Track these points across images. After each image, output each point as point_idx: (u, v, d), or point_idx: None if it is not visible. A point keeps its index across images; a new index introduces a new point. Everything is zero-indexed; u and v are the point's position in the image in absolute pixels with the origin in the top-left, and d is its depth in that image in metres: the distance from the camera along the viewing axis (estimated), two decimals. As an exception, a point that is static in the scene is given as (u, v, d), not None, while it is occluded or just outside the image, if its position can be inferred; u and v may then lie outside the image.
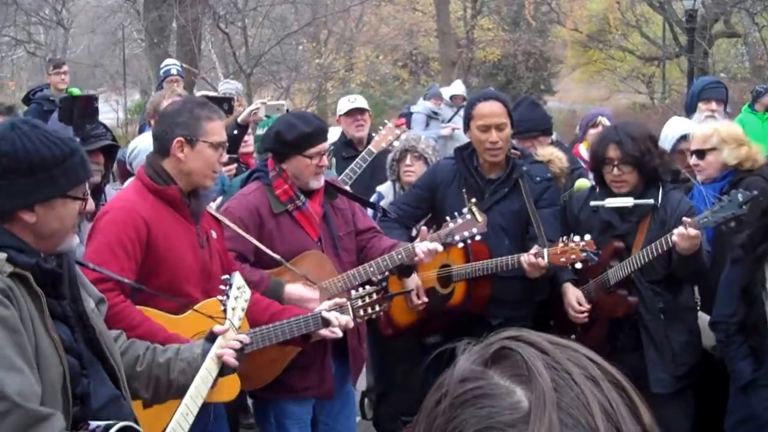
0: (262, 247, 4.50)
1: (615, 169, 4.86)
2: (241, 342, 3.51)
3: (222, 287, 3.65)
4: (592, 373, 0.97)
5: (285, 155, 4.66)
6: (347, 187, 5.44)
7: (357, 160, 5.96)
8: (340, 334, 4.37)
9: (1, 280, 2.74)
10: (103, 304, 3.28)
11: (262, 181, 4.74)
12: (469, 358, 0.98)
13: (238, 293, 3.63)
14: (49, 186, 2.86)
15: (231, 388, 4.04)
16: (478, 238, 4.78)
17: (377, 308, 4.49)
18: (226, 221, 4.43)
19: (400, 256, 4.68)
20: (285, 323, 4.25)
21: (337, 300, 4.39)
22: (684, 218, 4.56)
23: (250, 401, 5.89)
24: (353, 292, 4.48)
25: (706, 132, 5.34)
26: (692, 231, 4.47)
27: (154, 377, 3.35)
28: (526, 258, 4.79)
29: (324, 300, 4.52)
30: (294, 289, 4.54)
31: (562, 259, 4.74)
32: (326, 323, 4.29)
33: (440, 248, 4.71)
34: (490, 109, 5.04)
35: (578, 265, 4.76)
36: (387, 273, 4.89)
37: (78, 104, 4.78)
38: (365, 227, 4.96)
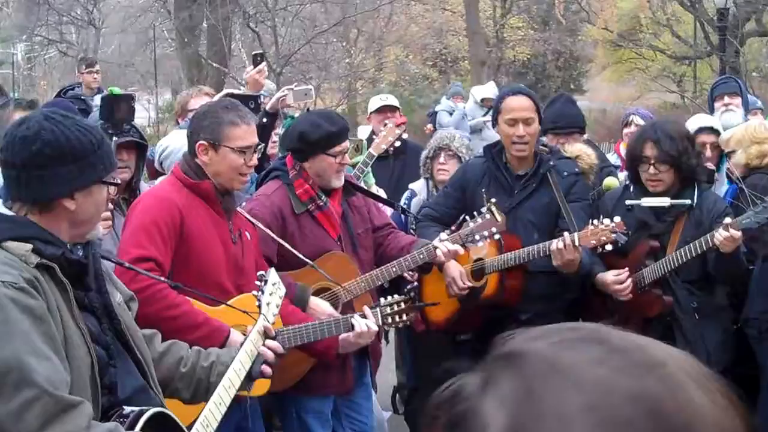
0: (291, 249, 4.51)
1: (651, 168, 4.82)
2: (274, 351, 3.53)
3: (257, 282, 3.65)
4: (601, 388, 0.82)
5: (308, 154, 4.66)
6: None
7: (359, 164, 5.92)
8: (368, 340, 4.41)
9: (27, 270, 2.76)
10: (133, 302, 3.30)
11: (281, 180, 4.74)
12: (473, 375, 0.89)
13: (273, 289, 3.64)
14: (88, 172, 2.90)
15: (262, 382, 4.06)
16: (497, 237, 4.81)
17: (404, 317, 4.52)
18: (257, 222, 4.45)
19: (422, 256, 4.71)
20: (315, 324, 4.27)
21: (365, 309, 4.41)
22: (726, 220, 4.53)
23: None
24: (382, 299, 4.50)
25: (724, 136, 5.44)
26: (736, 233, 4.45)
27: (197, 379, 3.37)
28: (555, 244, 4.76)
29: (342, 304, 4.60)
30: (317, 304, 4.57)
31: (593, 241, 4.70)
32: (352, 328, 4.32)
33: (461, 250, 4.75)
34: (518, 103, 5.05)
35: (608, 247, 4.72)
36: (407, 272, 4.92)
37: (118, 103, 4.82)
38: (381, 224, 4.99)
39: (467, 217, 4.80)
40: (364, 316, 4.37)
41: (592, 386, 0.81)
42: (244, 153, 4.10)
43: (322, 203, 4.68)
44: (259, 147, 4.24)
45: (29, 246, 2.81)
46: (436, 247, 4.70)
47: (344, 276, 4.66)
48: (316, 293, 4.64)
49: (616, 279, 4.88)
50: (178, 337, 3.58)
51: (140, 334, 3.21)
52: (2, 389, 2.62)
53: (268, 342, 3.51)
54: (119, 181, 3.06)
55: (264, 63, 5.76)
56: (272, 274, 3.69)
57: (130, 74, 31.99)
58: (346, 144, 4.73)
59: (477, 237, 4.75)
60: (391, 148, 5.91)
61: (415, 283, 5.03)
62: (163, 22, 27.75)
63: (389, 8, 27.51)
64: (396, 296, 4.55)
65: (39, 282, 2.76)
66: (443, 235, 4.79)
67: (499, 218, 4.74)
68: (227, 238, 4.17)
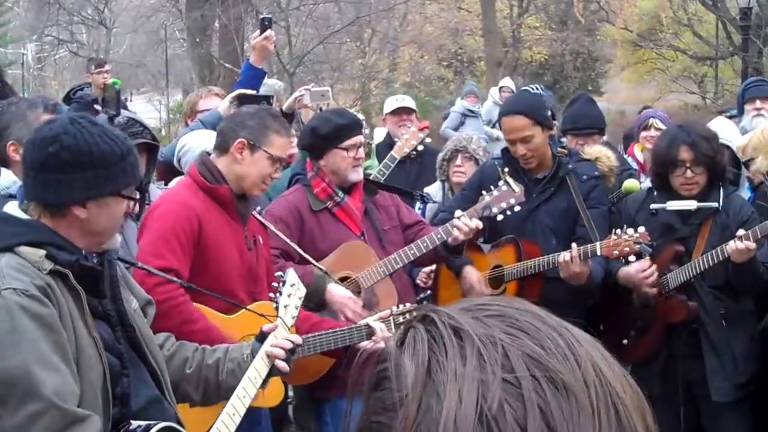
0: (298, 250, 4.52)
1: (688, 171, 4.77)
2: (292, 342, 3.46)
3: (275, 284, 3.63)
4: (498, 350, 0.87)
5: (322, 150, 4.74)
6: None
7: (380, 167, 5.90)
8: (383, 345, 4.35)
9: (40, 277, 2.74)
10: (150, 307, 3.27)
11: (301, 182, 4.86)
12: (391, 339, 0.95)
13: (292, 290, 3.60)
14: (105, 183, 2.87)
15: (276, 392, 4.03)
16: (517, 208, 4.77)
17: None
18: (271, 227, 4.46)
19: (439, 236, 4.71)
20: (332, 332, 4.26)
21: (381, 314, 4.39)
22: (739, 232, 4.49)
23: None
24: (394, 308, 4.47)
25: (741, 143, 5.39)
26: (750, 245, 4.43)
27: (204, 379, 3.35)
28: (562, 256, 4.73)
29: (363, 303, 4.62)
30: (337, 290, 4.58)
31: (615, 252, 4.66)
32: (371, 334, 4.29)
33: (479, 224, 4.69)
34: (511, 125, 5.01)
35: (632, 258, 4.69)
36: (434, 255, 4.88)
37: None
38: (412, 221, 5.02)
39: (483, 191, 4.79)
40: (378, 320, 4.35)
41: (488, 346, 0.88)
42: (276, 163, 4.17)
43: (339, 199, 4.74)
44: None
45: (43, 252, 2.79)
46: (452, 223, 4.69)
47: (362, 263, 4.71)
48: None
49: (639, 267, 4.83)
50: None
51: (155, 342, 3.18)
52: (8, 401, 2.60)
53: (281, 339, 3.43)
54: (137, 196, 3.00)
55: (271, 30, 5.73)
56: (290, 275, 3.66)
57: (141, 74, 32.10)
58: (359, 138, 4.78)
59: (495, 209, 4.74)
60: (414, 152, 5.88)
61: (429, 292, 4.97)
62: (174, 22, 27.83)
63: (404, 8, 27.51)
64: (408, 304, 4.53)
65: (51, 289, 2.74)
66: (458, 212, 4.77)
67: (516, 189, 4.74)
68: (242, 244, 4.19)
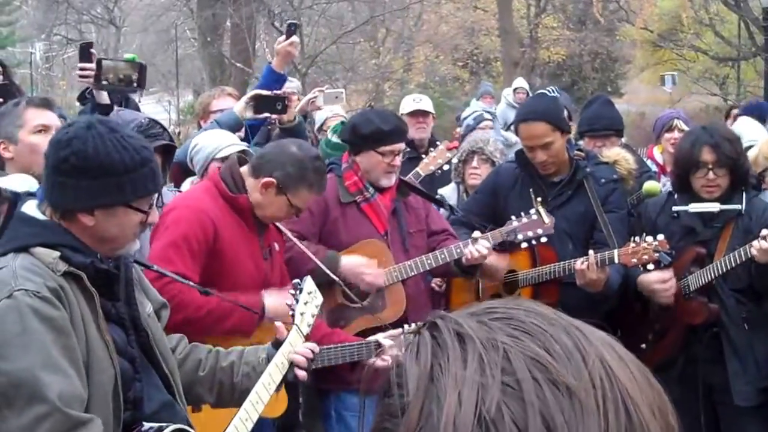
0: (313, 258, 4.50)
1: (710, 173, 4.76)
2: (312, 351, 3.49)
3: (291, 291, 3.64)
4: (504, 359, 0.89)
5: (359, 148, 4.76)
6: None
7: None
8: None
9: (53, 278, 2.75)
10: (165, 310, 3.29)
11: (333, 172, 4.83)
12: (403, 347, 0.98)
13: (309, 298, 3.61)
14: (113, 193, 2.85)
15: (279, 402, 4.04)
16: (543, 239, 4.75)
17: None
18: (288, 233, 4.47)
19: (458, 250, 4.71)
20: (340, 347, 4.25)
21: (392, 332, 4.36)
22: (763, 231, 4.48)
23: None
24: (405, 326, 4.41)
25: (752, 155, 5.36)
26: None
27: (218, 381, 3.36)
28: (578, 263, 4.71)
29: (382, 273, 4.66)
30: (351, 261, 4.63)
31: (634, 260, 4.65)
32: (381, 351, 4.27)
33: (485, 252, 4.67)
34: (530, 132, 4.97)
35: (650, 267, 4.67)
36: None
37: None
38: (439, 228, 5.01)
39: (513, 216, 4.78)
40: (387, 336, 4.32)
41: (490, 349, 0.90)
42: (296, 211, 4.21)
43: (369, 195, 4.77)
44: None
45: (57, 253, 2.80)
46: (464, 247, 4.69)
47: (378, 263, 4.72)
48: None
49: (659, 278, 4.82)
50: (213, 331, 3.63)
51: (168, 347, 3.19)
52: (14, 402, 2.63)
53: (300, 348, 3.45)
54: (148, 209, 2.96)
55: (296, 36, 5.73)
56: (308, 283, 3.67)
57: (151, 74, 32.16)
58: (399, 146, 4.77)
59: (520, 236, 4.73)
60: (439, 171, 5.89)
61: (443, 309, 4.94)
62: (185, 21, 27.92)
63: (419, 7, 27.52)
64: (421, 323, 4.48)
65: (64, 291, 2.75)
66: (476, 234, 4.76)
67: (547, 220, 4.72)
68: (258, 254, 4.22)
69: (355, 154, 4.78)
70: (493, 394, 0.86)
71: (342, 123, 5.84)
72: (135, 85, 4.92)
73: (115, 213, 2.87)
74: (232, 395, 3.35)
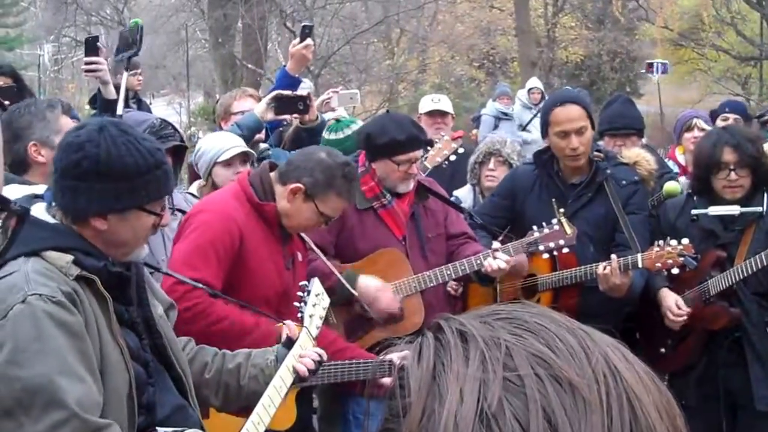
0: (330, 267, 4.52)
1: (732, 174, 4.76)
2: (319, 356, 3.49)
3: (299, 293, 3.66)
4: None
5: (374, 156, 4.75)
6: None
7: None
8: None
9: (66, 283, 2.75)
10: (173, 310, 3.30)
11: None
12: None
13: (317, 300, 3.63)
14: (126, 197, 2.86)
15: (288, 412, 4.05)
16: (565, 250, 4.75)
17: None
18: (310, 243, 4.47)
19: (478, 262, 4.68)
20: (353, 364, 4.26)
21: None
22: None
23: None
24: None
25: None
26: None
27: (224, 383, 3.37)
28: (601, 268, 4.71)
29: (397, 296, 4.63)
30: (368, 282, 4.61)
31: (658, 264, 4.65)
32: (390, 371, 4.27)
33: (504, 266, 4.65)
34: (567, 115, 4.93)
35: (675, 271, 4.67)
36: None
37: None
38: (458, 232, 4.98)
39: (534, 226, 4.76)
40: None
41: (492, 346, 0.92)
42: (325, 219, 4.18)
43: (386, 201, 4.76)
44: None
45: (70, 257, 2.80)
46: (484, 258, 4.67)
47: (396, 273, 4.71)
48: None
49: (674, 311, 4.85)
50: (231, 347, 3.60)
51: (180, 347, 3.21)
52: (31, 409, 2.62)
53: (305, 356, 3.44)
54: (161, 212, 2.98)
55: (311, 39, 5.74)
56: (315, 285, 3.69)
57: (161, 76, 32.26)
58: (415, 154, 4.75)
59: (541, 247, 4.72)
60: (446, 162, 5.86)
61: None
62: (196, 22, 27.98)
63: (434, 6, 27.51)
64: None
65: (78, 295, 2.75)
66: (496, 244, 4.75)
67: (569, 231, 4.71)
68: (281, 264, 4.21)
69: (370, 161, 4.77)
70: (495, 389, 0.88)
71: (337, 121, 5.80)
72: (135, 47, 4.96)
73: (128, 217, 2.88)
74: (238, 398, 3.36)
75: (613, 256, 4.69)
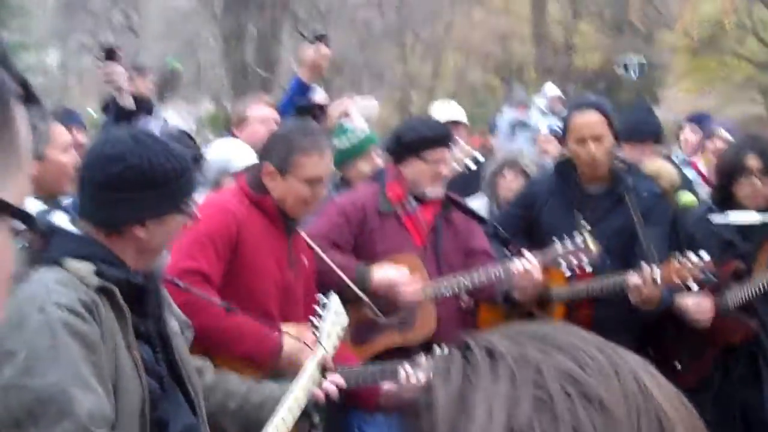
0: (341, 274, 4.52)
1: (755, 180, 4.79)
2: (336, 385, 3.48)
3: (317, 308, 3.64)
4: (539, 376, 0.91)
5: (403, 157, 4.80)
6: None
7: None
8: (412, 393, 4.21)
9: (86, 293, 2.76)
10: (188, 330, 3.32)
11: (377, 181, 4.93)
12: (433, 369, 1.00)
13: (335, 319, 3.60)
14: (168, 201, 2.93)
15: None
16: (588, 269, 4.70)
17: None
18: (317, 249, 4.46)
19: (496, 273, 4.67)
20: (360, 370, 4.19)
21: (420, 358, 4.22)
22: None
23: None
24: (437, 349, 4.32)
25: None
26: None
27: (245, 417, 3.36)
28: (633, 279, 4.65)
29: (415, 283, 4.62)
30: (385, 273, 4.61)
31: (676, 279, 4.61)
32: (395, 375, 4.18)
33: (537, 271, 4.63)
34: (586, 120, 4.94)
35: (693, 286, 4.63)
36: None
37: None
38: (478, 249, 4.95)
39: (555, 239, 4.72)
40: (415, 364, 4.19)
41: (521, 364, 0.92)
42: (312, 183, 4.11)
43: (410, 208, 4.79)
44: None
45: (92, 267, 2.82)
46: (510, 264, 4.65)
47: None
48: None
49: (697, 307, 4.83)
50: (227, 351, 3.60)
51: (193, 367, 3.21)
52: (41, 420, 2.61)
53: (327, 382, 3.44)
54: (193, 209, 3.05)
55: (326, 47, 5.78)
56: (334, 301, 3.66)
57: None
58: (444, 152, 4.80)
59: (563, 263, 4.69)
60: (464, 169, 5.89)
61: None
62: (206, 28, 28.03)
63: (449, 12, 27.50)
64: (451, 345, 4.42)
65: (97, 306, 2.77)
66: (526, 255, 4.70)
67: (593, 248, 4.66)
68: (284, 259, 4.19)
69: (399, 164, 4.81)
70: (524, 407, 0.88)
71: (342, 128, 5.86)
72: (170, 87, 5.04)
73: (165, 221, 2.95)
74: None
75: (644, 264, 4.64)
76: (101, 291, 2.81)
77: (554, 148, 8.73)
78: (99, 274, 2.83)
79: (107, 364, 2.76)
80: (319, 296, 3.73)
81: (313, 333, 3.59)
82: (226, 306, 3.83)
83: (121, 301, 2.84)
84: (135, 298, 2.91)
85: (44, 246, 2.79)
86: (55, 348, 2.66)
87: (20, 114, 0.94)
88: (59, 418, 2.61)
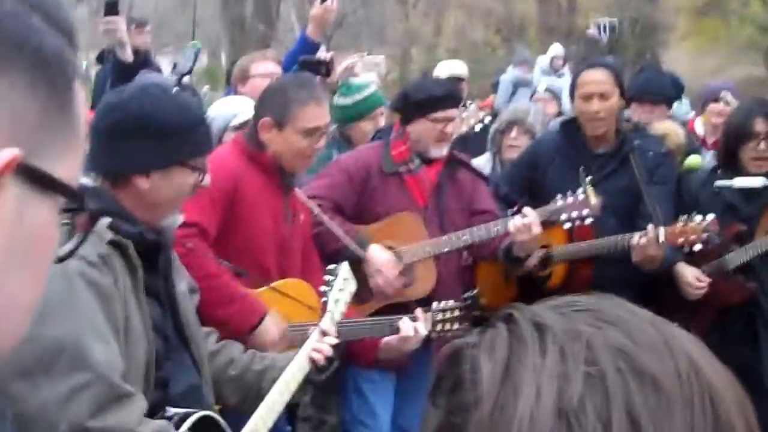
0: (340, 232, 4.54)
1: (762, 144, 4.81)
2: (332, 348, 3.41)
3: (326, 277, 3.63)
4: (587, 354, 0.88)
5: (410, 117, 4.79)
6: None
7: None
8: (413, 346, 4.25)
9: (101, 245, 2.74)
10: (196, 294, 3.31)
11: (382, 139, 4.95)
12: (470, 340, 0.95)
13: (344, 285, 3.60)
14: (172, 152, 2.91)
15: None
16: (588, 221, 4.73)
17: (456, 326, 4.41)
18: (314, 207, 4.47)
19: (497, 228, 4.68)
20: (354, 323, 4.16)
21: (418, 311, 4.26)
22: None
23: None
24: (435, 303, 4.45)
25: None
26: None
27: (247, 384, 3.32)
28: (637, 239, 4.70)
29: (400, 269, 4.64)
30: (377, 253, 4.63)
31: (681, 240, 4.66)
32: (397, 331, 4.18)
33: (536, 225, 4.60)
34: (593, 77, 5.00)
35: (697, 247, 4.67)
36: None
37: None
38: (483, 209, 4.94)
39: (558, 195, 4.75)
40: (414, 318, 4.20)
41: (571, 338, 0.89)
42: (310, 135, 4.14)
43: (413, 167, 4.79)
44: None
45: (108, 219, 2.78)
46: (508, 220, 4.66)
47: (411, 237, 4.73)
48: None
49: (694, 284, 4.89)
50: (209, 310, 3.57)
51: (199, 329, 3.20)
52: (53, 369, 2.56)
53: (321, 344, 3.39)
54: (203, 167, 3.02)
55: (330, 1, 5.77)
56: (344, 269, 3.66)
57: (164, 34, 32.07)
58: (452, 112, 4.80)
59: (564, 216, 4.71)
60: (472, 132, 5.80)
61: (476, 290, 4.93)
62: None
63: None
64: (452, 302, 4.48)
65: (110, 259, 2.75)
66: (517, 218, 4.68)
67: (593, 201, 4.67)
68: (280, 214, 4.21)
69: (406, 123, 4.80)
70: (575, 385, 0.85)
71: (348, 86, 5.87)
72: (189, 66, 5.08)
73: (171, 174, 2.93)
74: (256, 401, 3.23)
75: (650, 226, 4.67)
76: (114, 245, 2.79)
77: (551, 108, 8.77)
78: (113, 228, 2.80)
79: (119, 319, 2.74)
80: (329, 267, 3.71)
81: (323, 301, 3.59)
82: (234, 268, 3.85)
83: (134, 257, 2.83)
84: (147, 254, 2.90)
85: (90, 227, 2.80)
86: (71, 298, 2.62)
87: (81, 94, 0.95)
88: (73, 368, 2.57)
